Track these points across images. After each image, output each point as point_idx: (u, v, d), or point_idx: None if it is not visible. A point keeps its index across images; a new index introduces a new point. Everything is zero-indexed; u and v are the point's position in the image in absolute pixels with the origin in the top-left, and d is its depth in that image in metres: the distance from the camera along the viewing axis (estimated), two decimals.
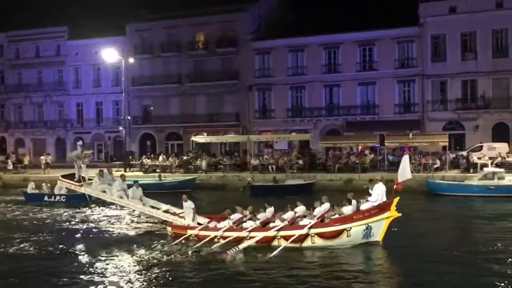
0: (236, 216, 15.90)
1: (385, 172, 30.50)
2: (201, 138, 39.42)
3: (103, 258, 14.08)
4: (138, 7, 47.01)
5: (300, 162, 33.02)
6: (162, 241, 15.90)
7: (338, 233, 14.22)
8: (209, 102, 44.90)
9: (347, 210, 14.90)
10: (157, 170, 34.49)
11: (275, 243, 14.46)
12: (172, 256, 14.12)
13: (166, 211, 18.19)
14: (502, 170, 26.54)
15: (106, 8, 46.43)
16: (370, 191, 15.26)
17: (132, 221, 19.96)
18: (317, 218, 14.96)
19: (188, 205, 16.64)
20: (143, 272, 12.68)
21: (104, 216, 21.46)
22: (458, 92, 38.06)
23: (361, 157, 32.49)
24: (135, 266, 13.31)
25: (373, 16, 38.77)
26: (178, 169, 35.67)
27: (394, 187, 14.65)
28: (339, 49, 41.14)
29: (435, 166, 30.13)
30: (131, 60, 42.89)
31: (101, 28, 45.65)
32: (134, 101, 47.23)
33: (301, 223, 14.89)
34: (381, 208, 14.27)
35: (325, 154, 35.56)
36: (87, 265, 13.43)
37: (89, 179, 20.60)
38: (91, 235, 17.51)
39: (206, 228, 15.87)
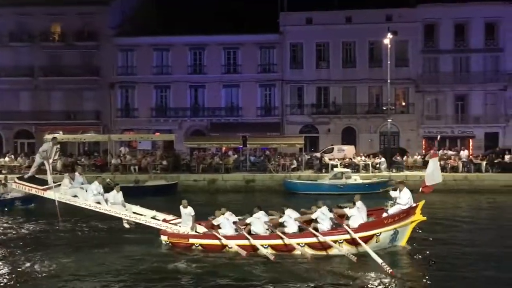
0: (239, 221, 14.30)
1: (247, 172, 31.73)
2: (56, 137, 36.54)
3: (93, 278, 11.99)
4: None
5: (164, 162, 32.58)
6: (157, 251, 14.20)
7: (368, 239, 13.33)
8: (66, 99, 41.89)
9: (353, 212, 13.95)
10: (3, 171, 31.17)
11: (297, 251, 13.32)
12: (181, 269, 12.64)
13: (153, 218, 16.02)
14: (349, 170, 29.29)
15: None
16: (392, 194, 14.76)
17: (108, 231, 16.88)
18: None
19: (188, 211, 14.82)
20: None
21: (72, 225, 18.01)
22: (313, 98, 41.05)
23: (224, 158, 33.20)
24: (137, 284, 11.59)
25: (238, 21, 39.99)
26: (28, 170, 32.55)
27: (420, 190, 14.31)
28: (204, 51, 41.55)
29: (292, 166, 32.03)
30: None
31: None
32: None
33: (321, 228, 13.73)
34: (408, 212, 13.85)
35: (189, 155, 35.59)
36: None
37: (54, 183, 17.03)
38: (65, 250, 14.59)
39: (213, 236, 13.97)
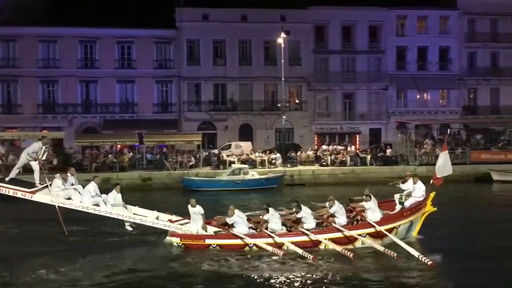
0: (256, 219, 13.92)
1: (144, 170, 30.94)
2: None
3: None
4: None
5: (54, 162, 30.55)
6: (169, 255, 13.30)
7: (389, 231, 13.62)
8: None
9: (369, 205, 14.02)
10: None
11: (321, 247, 13.21)
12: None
13: (157, 219, 14.97)
14: (246, 166, 29.90)
15: None
16: (402, 187, 15.06)
17: (106, 235, 15.36)
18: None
19: (197, 210, 14.12)
20: None
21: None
22: (211, 95, 41.19)
23: (119, 156, 32.04)
24: None
25: (132, 15, 38.65)
26: None
27: (431, 182, 14.57)
28: (96, 44, 39.65)
29: (190, 163, 31.88)
30: None
31: None
32: None
33: (337, 223, 13.69)
34: (421, 203, 14.35)
35: (81, 153, 33.77)
36: None
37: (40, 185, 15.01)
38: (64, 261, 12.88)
39: (232, 235, 13.45)
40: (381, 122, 42.91)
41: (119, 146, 35.29)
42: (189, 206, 14.34)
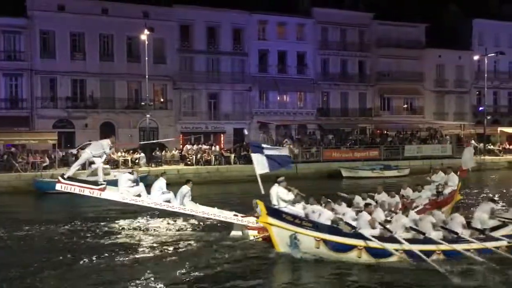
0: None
1: None
2: None
3: None
4: None
5: None
6: (251, 249, 13.10)
7: None
8: None
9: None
10: None
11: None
12: None
13: None
14: (108, 166, 28.55)
15: None
16: (435, 178, 17.00)
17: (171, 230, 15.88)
18: None
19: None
20: None
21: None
22: (68, 91, 38.52)
23: None
24: None
25: None
26: None
27: (458, 174, 16.76)
28: None
29: (44, 164, 29.55)
30: None
31: None
32: None
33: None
34: (455, 192, 16.31)
35: None
36: None
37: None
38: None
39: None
40: (245, 122, 44.28)
41: None
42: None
